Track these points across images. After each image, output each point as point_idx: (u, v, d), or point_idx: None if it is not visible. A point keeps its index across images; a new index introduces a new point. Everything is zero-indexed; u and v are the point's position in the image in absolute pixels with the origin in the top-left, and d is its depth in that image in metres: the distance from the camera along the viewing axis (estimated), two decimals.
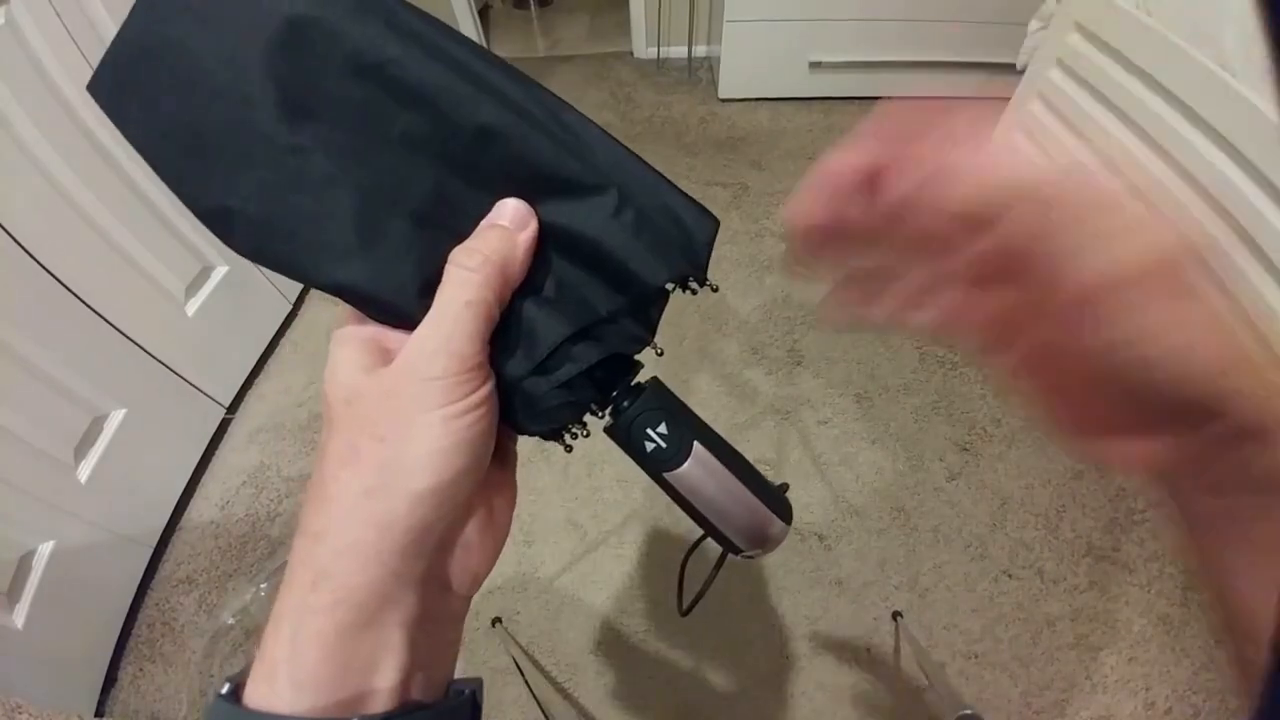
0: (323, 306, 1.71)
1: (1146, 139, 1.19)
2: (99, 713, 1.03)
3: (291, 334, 1.64)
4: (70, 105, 1.08)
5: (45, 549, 0.98)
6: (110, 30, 1.15)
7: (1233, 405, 0.17)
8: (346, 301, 0.24)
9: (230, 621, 1.08)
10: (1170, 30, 1.11)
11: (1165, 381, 0.18)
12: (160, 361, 1.22)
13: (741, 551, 0.28)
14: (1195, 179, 1.09)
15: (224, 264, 1.41)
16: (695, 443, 0.27)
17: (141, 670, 1.08)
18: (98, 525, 1.06)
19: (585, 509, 1.25)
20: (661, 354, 0.28)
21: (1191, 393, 0.18)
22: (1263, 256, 0.99)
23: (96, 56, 1.13)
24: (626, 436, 0.27)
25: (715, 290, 0.27)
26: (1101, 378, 0.19)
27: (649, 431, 0.27)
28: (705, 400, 1.41)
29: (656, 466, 0.27)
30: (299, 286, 1.70)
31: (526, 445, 1.14)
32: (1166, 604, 1.09)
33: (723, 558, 0.31)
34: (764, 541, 0.28)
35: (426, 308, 0.22)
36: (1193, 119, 1.09)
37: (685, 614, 0.40)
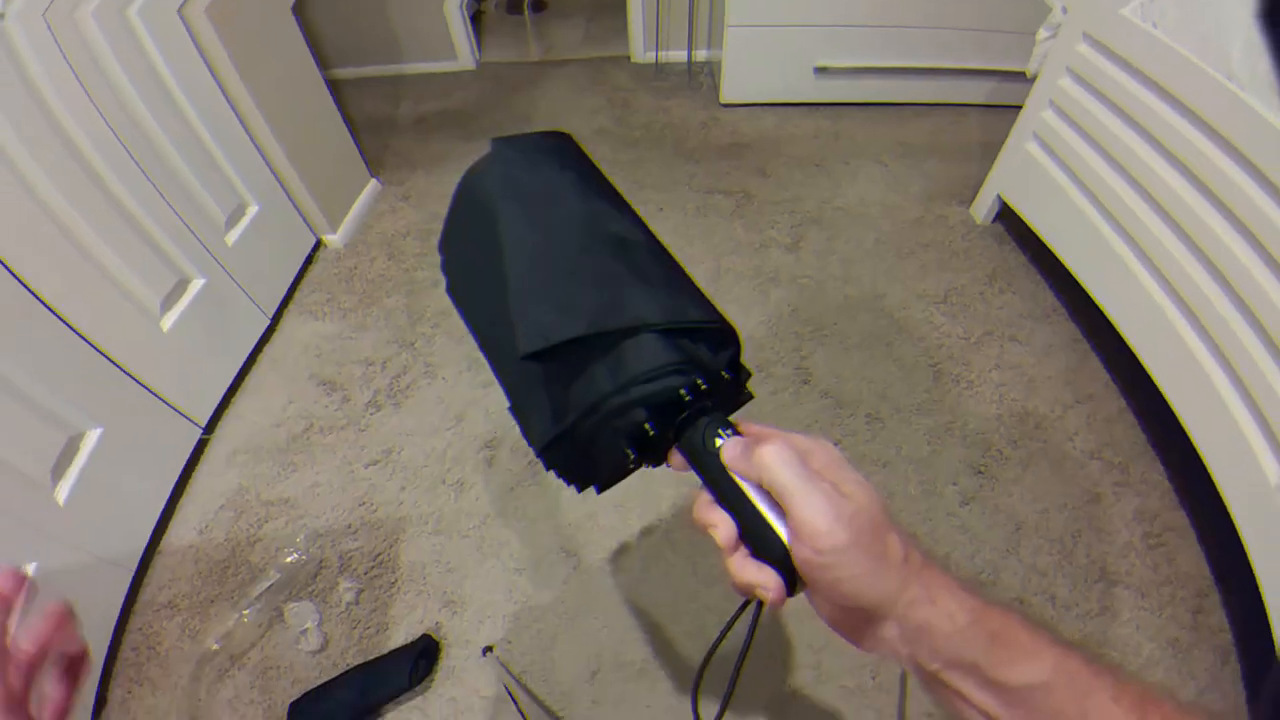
0: (301, 321, 1.79)
1: (1160, 149, 1.27)
2: None
3: (270, 350, 1.72)
4: (59, 124, 1.17)
5: (28, 571, 1.04)
6: (103, 49, 1.25)
7: (889, 615, 0.35)
8: None
9: (215, 647, 1.15)
10: (1178, 42, 1.20)
11: (848, 603, 0.35)
12: (136, 379, 1.29)
13: (791, 580, 0.37)
14: (1211, 190, 1.17)
15: (201, 276, 1.50)
16: None
17: (130, 692, 1.14)
18: (78, 547, 1.13)
19: (579, 535, 1.32)
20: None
21: (863, 610, 0.35)
22: (1274, 264, 1.07)
23: (88, 73, 1.22)
24: (702, 438, 0.40)
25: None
26: (824, 601, 0.37)
27: (720, 430, 0.40)
28: None
29: (718, 461, 0.39)
30: (278, 300, 1.79)
31: (516, 471, 1.22)
32: (1176, 627, 1.15)
33: (745, 652, 0.40)
34: None
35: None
36: (1205, 129, 1.17)
37: None
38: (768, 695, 1.12)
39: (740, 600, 0.40)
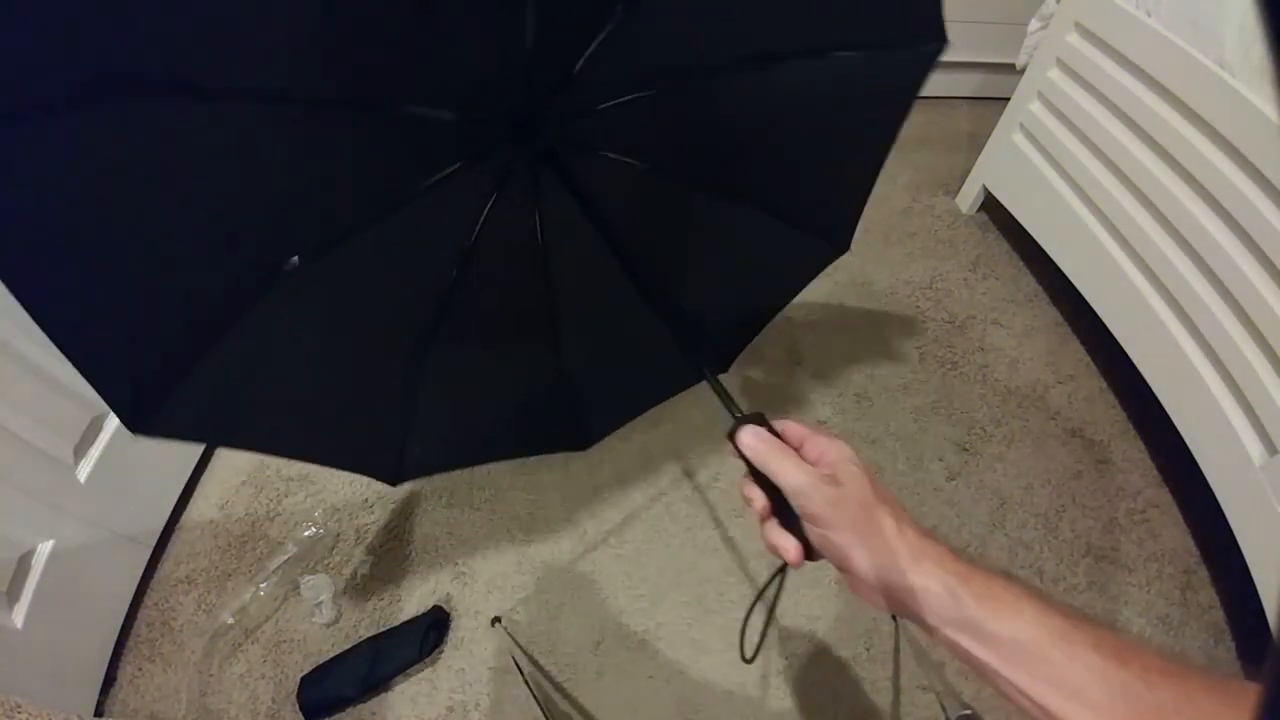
0: None
1: (1146, 138, 1.19)
2: (98, 713, 1.03)
3: None
4: None
5: (45, 548, 0.98)
6: None
7: (884, 580, 0.38)
8: None
9: (229, 621, 1.08)
10: (1170, 30, 1.11)
11: (844, 567, 0.40)
12: None
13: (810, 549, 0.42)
14: (1194, 178, 1.09)
15: None
16: None
17: (140, 670, 1.08)
18: (97, 524, 1.06)
19: (585, 508, 1.25)
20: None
21: (860, 576, 0.39)
22: (1262, 256, 0.99)
23: None
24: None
25: None
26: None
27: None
28: (704, 400, 1.41)
29: None
30: None
31: None
32: (1165, 604, 1.09)
33: (775, 602, 0.47)
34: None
35: None
36: (1192, 118, 1.09)
37: (750, 661, 0.59)
38: (766, 667, 1.06)
39: (774, 560, 0.46)
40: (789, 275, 1.09)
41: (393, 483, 0.88)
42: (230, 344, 0.56)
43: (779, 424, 0.46)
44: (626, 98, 0.67)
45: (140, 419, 0.54)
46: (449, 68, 0.54)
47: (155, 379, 0.54)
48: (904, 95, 0.80)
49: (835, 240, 1.01)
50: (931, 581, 0.36)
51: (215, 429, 0.66)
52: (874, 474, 0.41)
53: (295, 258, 0.55)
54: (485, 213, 0.69)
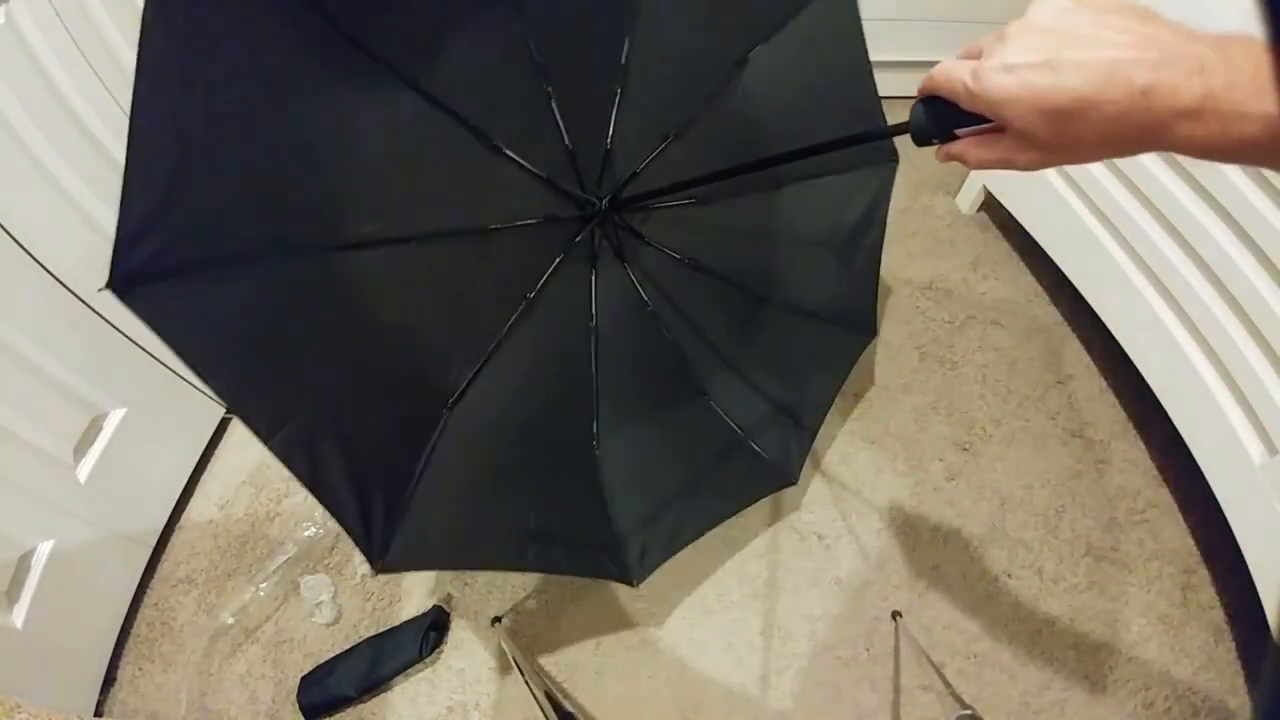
0: None
1: None
2: (98, 712, 1.03)
3: None
4: (70, 104, 1.08)
5: (44, 548, 0.98)
6: (109, 29, 1.15)
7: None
8: None
9: (229, 621, 1.08)
10: None
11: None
12: (160, 361, 1.21)
13: None
14: (1194, 178, 1.09)
15: None
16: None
17: (140, 670, 1.08)
18: (97, 524, 1.06)
19: None
20: None
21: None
22: (1262, 255, 0.99)
23: (96, 54, 1.12)
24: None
25: None
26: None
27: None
28: None
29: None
30: None
31: None
32: (1166, 604, 1.09)
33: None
34: None
35: None
36: None
37: None
38: (765, 666, 1.06)
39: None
40: (829, 365, 1.18)
41: (633, 583, 0.90)
42: (439, 470, 0.67)
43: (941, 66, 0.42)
44: (671, 203, 0.83)
45: (382, 558, 0.64)
46: (532, 183, 0.70)
47: (384, 516, 0.65)
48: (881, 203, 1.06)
49: (864, 327, 1.18)
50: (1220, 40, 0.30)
51: (439, 554, 0.75)
52: None
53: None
54: (595, 293, 0.80)
